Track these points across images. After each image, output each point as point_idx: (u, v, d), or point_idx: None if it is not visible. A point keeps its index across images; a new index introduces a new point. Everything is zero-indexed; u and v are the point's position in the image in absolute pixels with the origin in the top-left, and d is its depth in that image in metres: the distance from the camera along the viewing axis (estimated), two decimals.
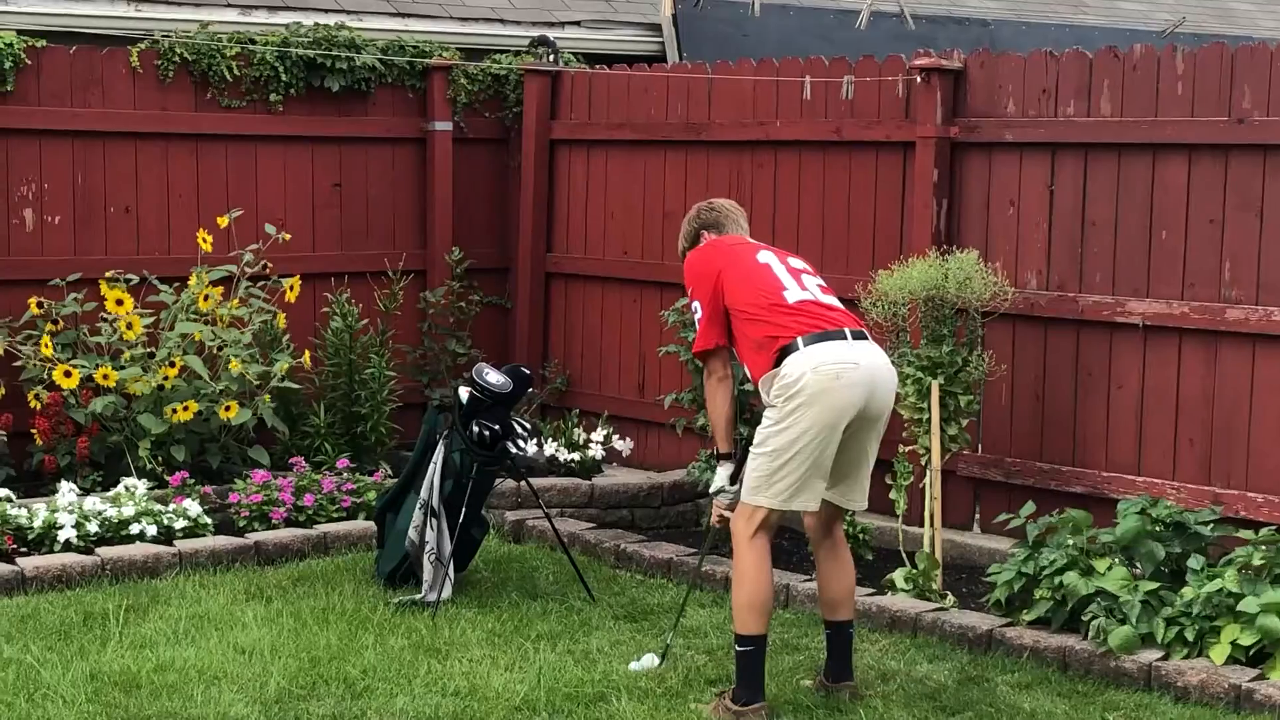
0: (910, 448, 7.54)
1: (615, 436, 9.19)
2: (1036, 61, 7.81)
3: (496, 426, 7.28)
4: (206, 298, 8.58)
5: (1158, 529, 6.76)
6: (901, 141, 8.18)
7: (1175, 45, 7.49)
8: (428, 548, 7.18)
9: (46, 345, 8.33)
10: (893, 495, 7.56)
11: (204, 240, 8.81)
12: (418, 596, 7.15)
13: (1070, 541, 6.79)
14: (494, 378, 7.32)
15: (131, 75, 8.93)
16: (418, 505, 7.25)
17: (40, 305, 8.54)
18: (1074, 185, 7.69)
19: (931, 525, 7.33)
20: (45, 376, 8.37)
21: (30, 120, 8.67)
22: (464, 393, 7.33)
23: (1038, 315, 7.77)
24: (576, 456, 8.96)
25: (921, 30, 12.56)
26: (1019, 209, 7.87)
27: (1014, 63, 7.91)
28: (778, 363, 5.80)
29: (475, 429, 7.26)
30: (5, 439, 8.36)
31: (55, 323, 8.52)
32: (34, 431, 8.40)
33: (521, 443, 7.50)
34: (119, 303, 8.49)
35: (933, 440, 7.31)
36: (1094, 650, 6.37)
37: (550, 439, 9.09)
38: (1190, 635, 6.29)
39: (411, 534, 7.23)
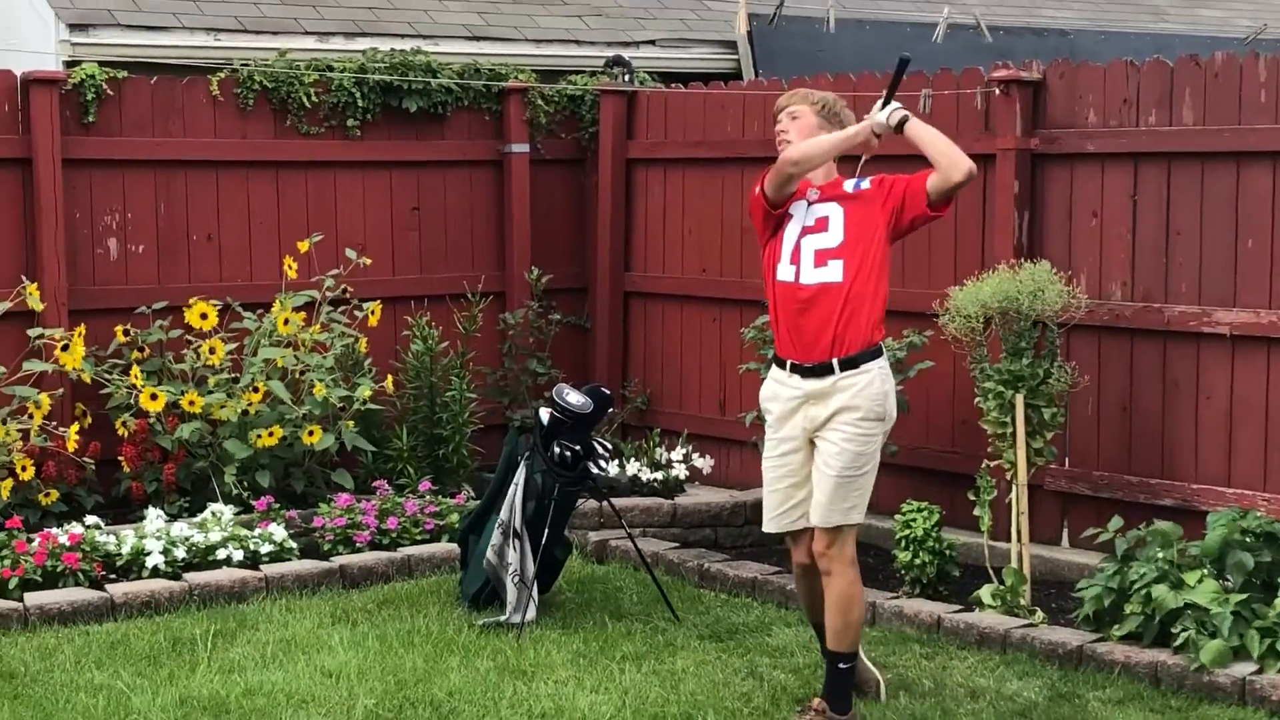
0: (995, 462, 7.48)
1: (696, 455, 9.17)
2: (1117, 71, 7.74)
3: (578, 447, 7.28)
4: (287, 322, 8.64)
5: (1248, 540, 6.66)
6: (981, 154, 8.10)
7: (1257, 52, 7.39)
8: (510, 569, 7.18)
9: (136, 375, 8.41)
10: (978, 511, 7.49)
11: (289, 267, 8.88)
12: (502, 618, 7.16)
13: (1159, 555, 6.70)
14: (574, 398, 7.33)
15: (212, 104, 9.02)
16: (496, 526, 7.26)
17: (126, 333, 8.63)
18: (1157, 195, 7.61)
19: (1018, 540, 7.26)
20: (132, 404, 8.45)
21: (113, 151, 8.76)
22: (545, 414, 7.34)
23: (1123, 326, 7.69)
24: (659, 476, 8.95)
25: (999, 42, 12.48)
26: (1102, 220, 7.80)
27: (1094, 73, 7.84)
28: (877, 353, 5.97)
29: (556, 450, 7.26)
30: (93, 467, 8.45)
31: (141, 350, 8.60)
32: (121, 459, 8.48)
33: (603, 463, 7.51)
34: (203, 316, 8.55)
35: (1018, 454, 7.25)
36: (1186, 665, 6.28)
37: (631, 458, 9.09)
38: None
39: (490, 555, 7.24)
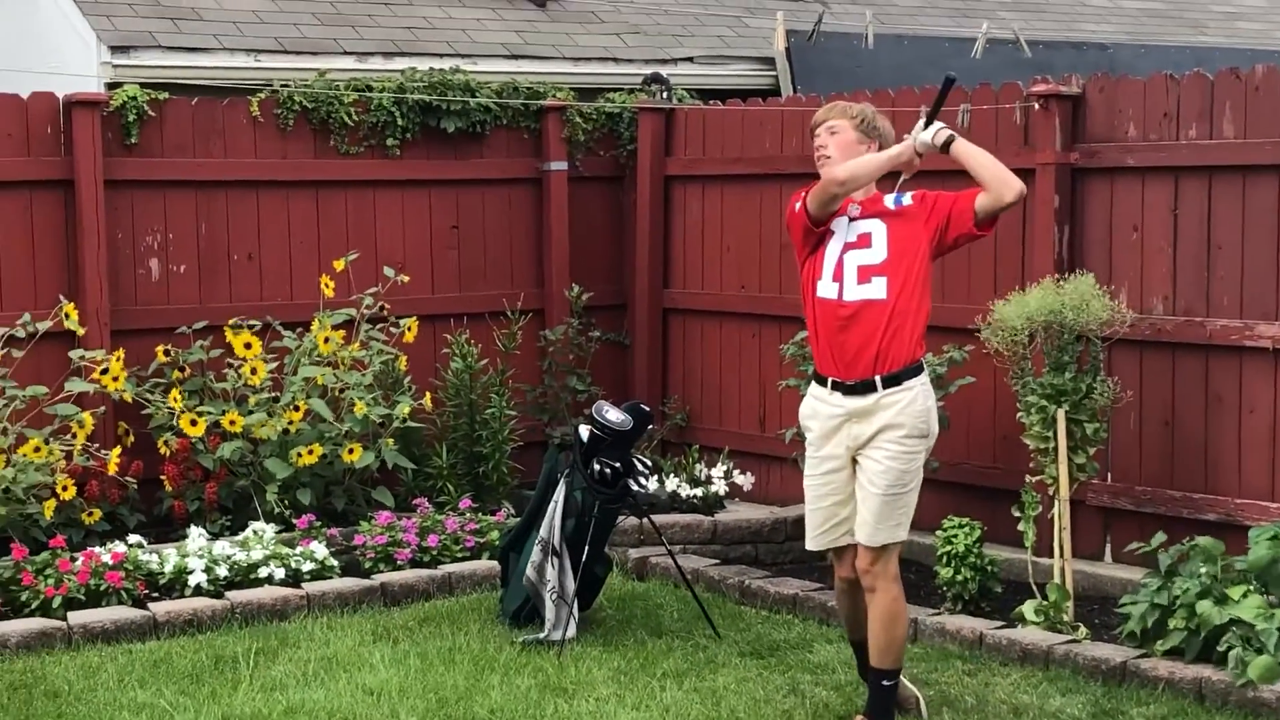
0: (1037, 478, 7.44)
1: (736, 471, 9.16)
2: (1156, 85, 7.71)
3: (618, 464, 7.28)
4: (327, 340, 8.67)
5: None
6: (1021, 169, 8.06)
7: None
8: (549, 586, 7.18)
9: (176, 399, 8.45)
10: (1021, 526, 7.46)
11: (326, 285, 8.91)
12: (542, 635, 7.16)
13: (1203, 570, 6.66)
14: (614, 415, 7.33)
15: (252, 124, 9.06)
16: (536, 543, 7.26)
17: (167, 353, 8.67)
18: (1198, 208, 7.57)
19: (1061, 556, 7.22)
20: (174, 423, 8.49)
21: (155, 171, 8.82)
22: (584, 431, 7.34)
23: (1164, 340, 7.65)
24: (698, 492, 8.94)
25: (1038, 56, 12.45)
26: (1142, 234, 7.76)
27: (1133, 87, 7.81)
28: (919, 370, 5.96)
29: (596, 467, 7.26)
30: (136, 486, 8.48)
31: (182, 370, 8.64)
32: (163, 478, 8.52)
33: (642, 480, 7.50)
34: (247, 346, 8.59)
35: (1060, 469, 7.21)
36: (1231, 681, 6.23)
37: (671, 475, 9.08)
38: None
39: (529, 572, 7.25)
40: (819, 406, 6.02)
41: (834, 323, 5.94)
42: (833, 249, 5.99)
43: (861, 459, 5.94)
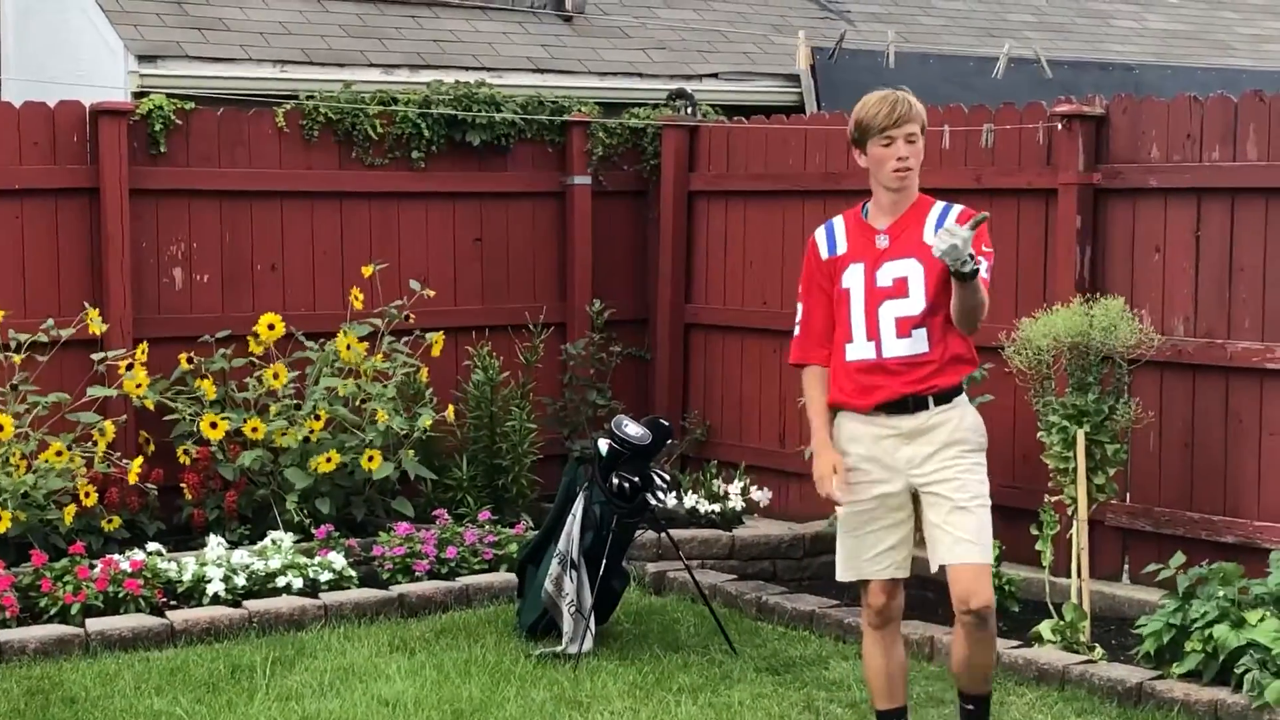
0: (1056, 498, 7.43)
1: (754, 487, 9.16)
2: (1180, 106, 7.71)
3: (636, 478, 7.29)
4: (349, 348, 8.69)
5: None
6: (1043, 189, 8.10)
7: None
8: (566, 599, 7.19)
9: (210, 389, 8.48)
10: (1039, 546, 7.45)
11: (356, 298, 8.94)
12: (558, 648, 7.16)
13: (1221, 593, 6.64)
14: (633, 430, 7.34)
15: (277, 135, 9.10)
16: (554, 556, 7.27)
17: (190, 361, 8.70)
18: (1221, 231, 7.56)
19: (1078, 576, 7.21)
20: (195, 431, 8.52)
21: (180, 181, 8.86)
22: (604, 445, 7.35)
23: (1185, 362, 7.64)
24: (717, 508, 8.94)
25: (1064, 76, 12.43)
26: (1164, 255, 7.75)
27: (1157, 108, 7.80)
28: (962, 389, 5.57)
29: (615, 481, 7.27)
30: (155, 493, 8.51)
31: (204, 378, 8.68)
32: (183, 486, 8.55)
33: (661, 495, 7.51)
34: (271, 327, 8.62)
35: (1079, 490, 7.20)
36: (1247, 704, 6.22)
37: (690, 490, 9.09)
38: None
39: (548, 585, 7.26)
40: (862, 429, 5.50)
41: (871, 378, 5.47)
42: (858, 298, 5.47)
43: (933, 484, 5.45)
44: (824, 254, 5.59)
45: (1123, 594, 7.69)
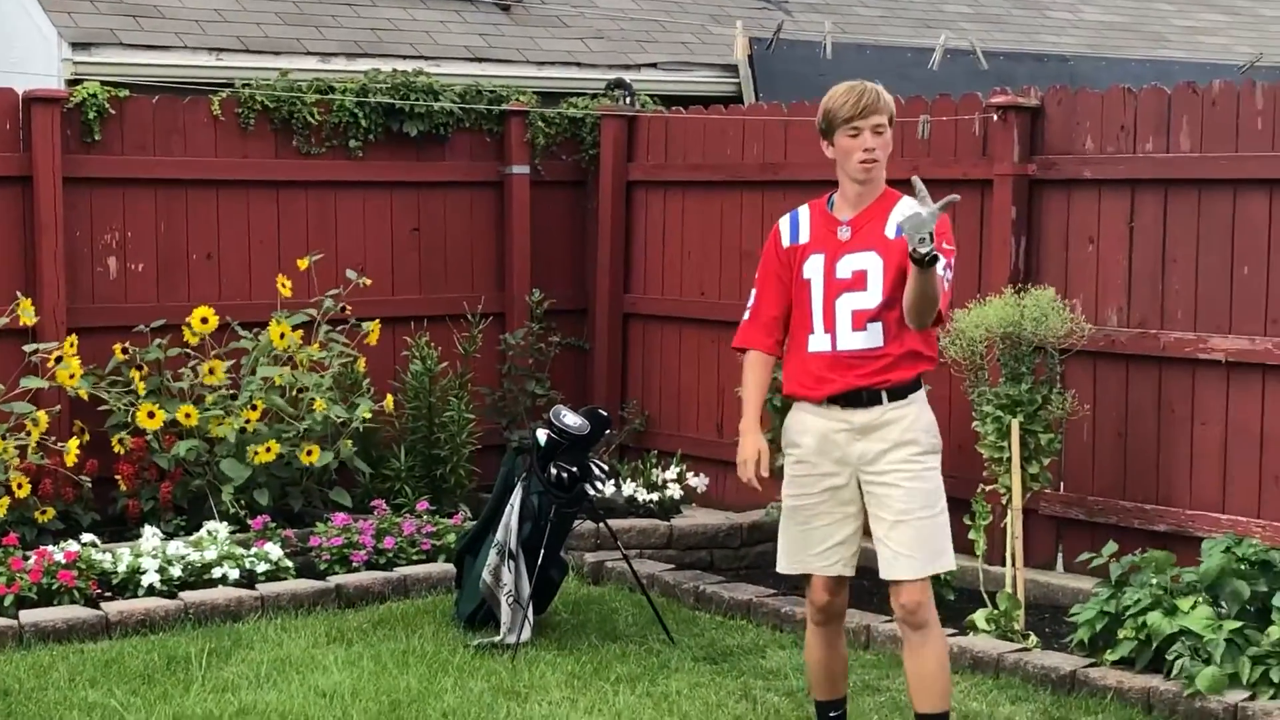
0: (991, 487, 7.48)
1: (690, 474, 9.17)
2: (1114, 98, 7.77)
3: (574, 468, 7.29)
4: (283, 336, 8.64)
5: (1243, 567, 6.67)
6: (979, 179, 8.14)
7: (1254, 80, 7.42)
8: (504, 589, 7.19)
9: (139, 383, 8.43)
10: (972, 535, 7.50)
11: (283, 285, 8.89)
12: (497, 639, 7.16)
13: (1153, 581, 6.71)
14: (571, 420, 7.34)
15: (213, 124, 9.04)
16: (492, 547, 7.27)
17: (125, 351, 8.64)
18: (1154, 222, 7.63)
19: (1013, 565, 7.27)
20: (129, 421, 8.47)
21: (114, 169, 8.79)
22: (542, 435, 7.35)
23: (1119, 352, 7.71)
24: (655, 497, 8.96)
25: (1000, 67, 12.51)
26: (1098, 246, 7.82)
27: (1091, 99, 7.86)
28: (919, 384, 5.46)
29: (553, 471, 7.27)
30: (90, 485, 8.46)
31: (140, 369, 8.62)
32: (118, 477, 8.49)
33: (599, 484, 7.51)
34: (204, 320, 8.57)
35: (1013, 479, 7.26)
36: (1179, 691, 6.28)
37: (628, 480, 9.10)
38: (1276, 676, 6.19)
39: (486, 576, 7.26)
40: (811, 421, 5.44)
41: (829, 367, 5.40)
42: (818, 289, 5.40)
43: (877, 486, 5.38)
44: (785, 241, 5.54)
45: (1057, 582, 7.75)
